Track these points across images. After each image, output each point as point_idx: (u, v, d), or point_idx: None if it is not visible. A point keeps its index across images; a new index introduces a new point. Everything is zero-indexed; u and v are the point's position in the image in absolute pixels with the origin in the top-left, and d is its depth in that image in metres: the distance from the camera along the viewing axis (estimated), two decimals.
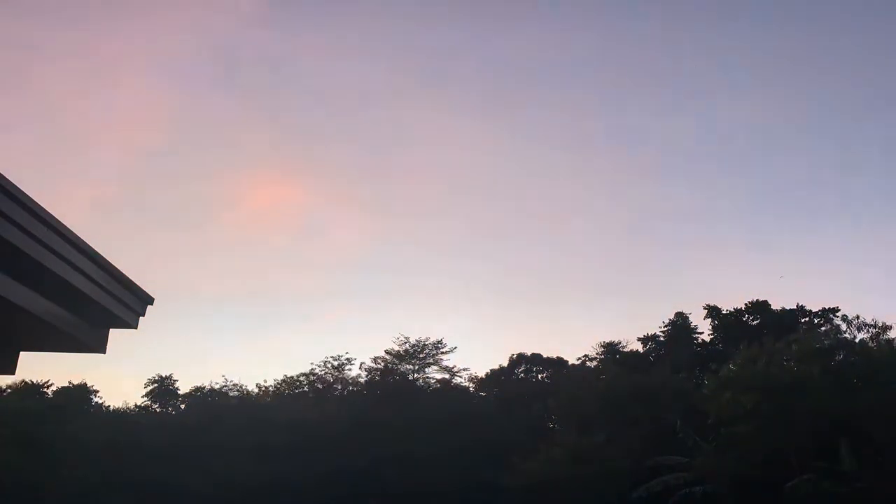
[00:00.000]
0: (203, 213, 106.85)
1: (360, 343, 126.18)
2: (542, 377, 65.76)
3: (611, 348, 58.53)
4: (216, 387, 59.24)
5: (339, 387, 60.47)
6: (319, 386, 61.04)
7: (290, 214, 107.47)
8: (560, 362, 64.41)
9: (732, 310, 55.19)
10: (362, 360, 59.80)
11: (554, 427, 54.09)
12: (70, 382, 55.35)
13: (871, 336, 39.94)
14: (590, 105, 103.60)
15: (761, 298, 54.78)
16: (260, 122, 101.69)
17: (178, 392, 62.37)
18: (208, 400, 57.83)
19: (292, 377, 62.26)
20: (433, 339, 58.51)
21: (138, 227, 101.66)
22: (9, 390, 50.45)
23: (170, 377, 62.40)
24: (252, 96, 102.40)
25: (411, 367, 58.54)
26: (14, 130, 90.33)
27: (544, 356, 66.59)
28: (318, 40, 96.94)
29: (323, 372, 60.64)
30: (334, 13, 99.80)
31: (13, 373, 5.73)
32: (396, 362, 58.28)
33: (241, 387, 59.98)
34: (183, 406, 60.57)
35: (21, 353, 5.57)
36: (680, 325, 56.55)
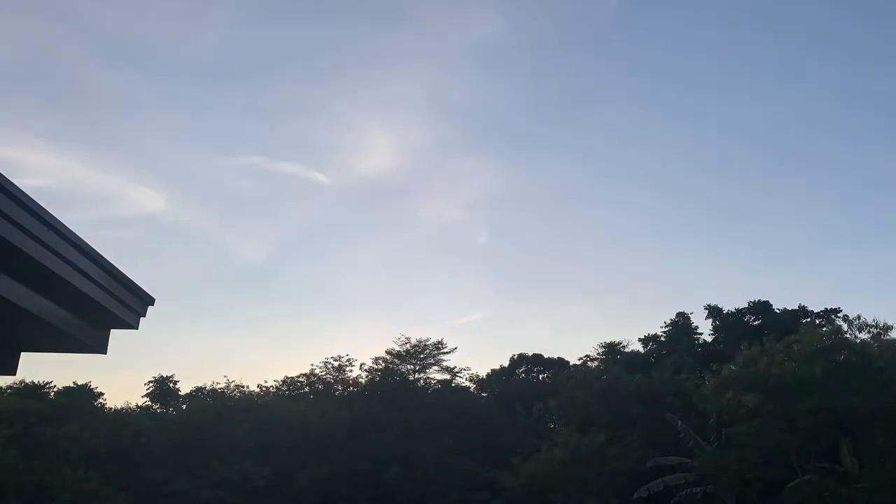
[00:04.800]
0: None
1: (361, 344, 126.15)
2: (542, 377, 65.77)
3: (612, 349, 58.48)
4: (217, 387, 59.21)
5: (340, 387, 60.45)
6: (320, 387, 61.01)
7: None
8: (561, 363, 64.41)
9: (733, 310, 55.16)
10: (363, 361, 59.83)
11: (554, 427, 54.05)
12: (74, 383, 55.28)
13: (872, 336, 39.90)
14: (585, 103, 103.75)
15: (762, 298, 54.84)
16: None
17: (179, 392, 62.32)
18: (209, 400, 57.75)
19: (293, 378, 62.28)
20: (434, 339, 58.52)
21: None
22: (10, 391, 50.37)
23: (171, 377, 62.35)
24: None
25: (412, 367, 58.49)
26: None
27: (545, 356, 66.65)
28: None
29: (323, 373, 60.65)
30: None
31: (14, 373, 5.73)
32: (397, 363, 58.23)
33: (242, 387, 59.95)
34: (184, 406, 60.46)
35: (22, 353, 5.57)
36: (681, 325, 56.49)
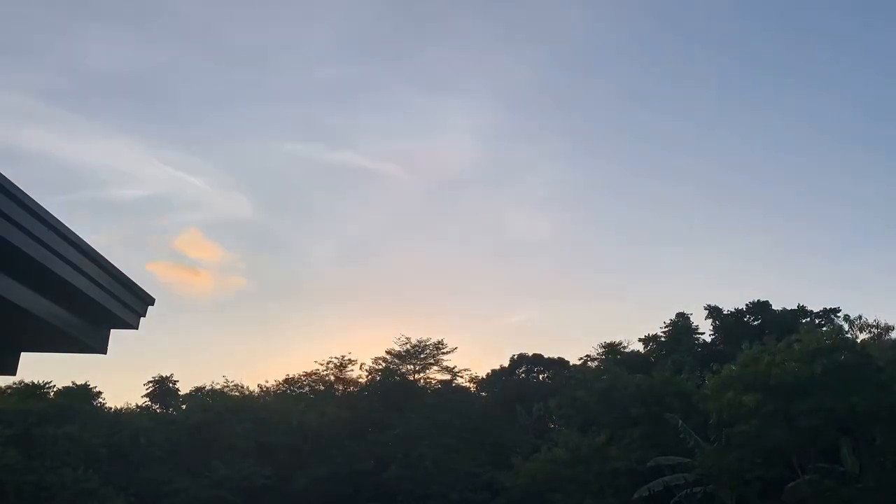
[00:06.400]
0: None
1: (361, 343, 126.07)
2: (543, 377, 65.77)
3: (612, 349, 58.45)
4: (217, 387, 59.20)
5: (341, 387, 60.45)
6: (321, 387, 61.00)
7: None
8: (561, 363, 64.41)
9: (733, 310, 55.13)
10: (363, 361, 59.82)
11: (555, 427, 54.07)
12: (73, 383, 55.31)
13: (872, 336, 39.94)
14: (593, 105, 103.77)
15: (762, 298, 54.83)
16: None
17: (179, 392, 62.34)
18: (209, 400, 57.76)
19: (293, 377, 62.27)
20: (434, 339, 58.52)
21: None
22: (10, 391, 50.37)
23: (170, 377, 62.38)
24: None
25: (412, 367, 58.51)
26: None
27: (545, 356, 66.64)
28: None
29: (324, 372, 60.63)
30: None
31: (14, 373, 5.72)
32: (397, 363, 58.26)
33: (242, 387, 59.96)
34: (184, 406, 60.49)
35: (22, 353, 5.56)
36: (681, 325, 56.47)
